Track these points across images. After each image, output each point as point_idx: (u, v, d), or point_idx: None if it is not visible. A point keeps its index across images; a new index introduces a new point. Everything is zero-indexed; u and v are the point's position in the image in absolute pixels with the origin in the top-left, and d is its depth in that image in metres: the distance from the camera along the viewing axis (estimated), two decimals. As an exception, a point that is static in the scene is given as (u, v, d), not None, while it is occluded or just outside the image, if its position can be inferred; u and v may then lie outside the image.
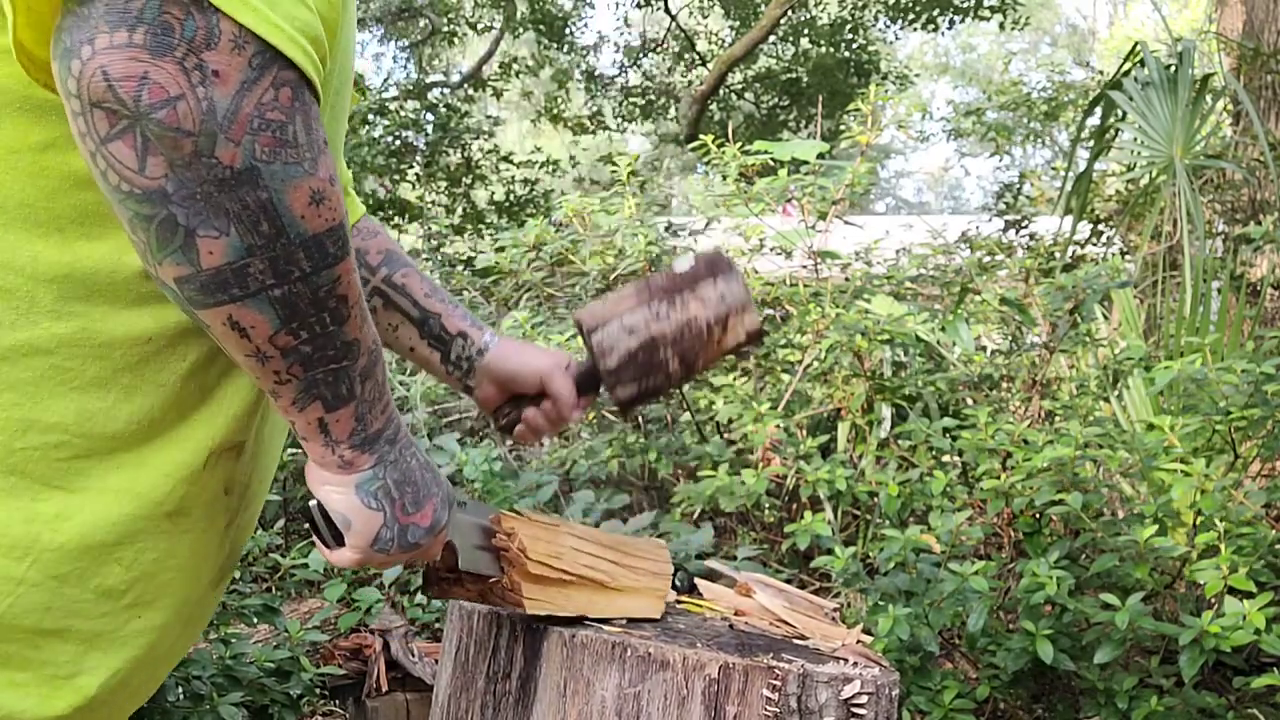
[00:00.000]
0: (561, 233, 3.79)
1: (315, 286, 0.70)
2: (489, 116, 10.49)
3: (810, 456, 2.55)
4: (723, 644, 1.08)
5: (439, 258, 6.39)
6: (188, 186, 0.64)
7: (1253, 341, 3.11)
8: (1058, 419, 2.80)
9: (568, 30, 13.98)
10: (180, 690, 1.93)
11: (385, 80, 11.93)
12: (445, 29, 13.70)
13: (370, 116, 8.46)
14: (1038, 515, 2.21)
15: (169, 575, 0.83)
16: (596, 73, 14.79)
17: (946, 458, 2.58)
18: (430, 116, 9.37)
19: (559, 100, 14.82)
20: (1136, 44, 4.01)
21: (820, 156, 3.62)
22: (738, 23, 13.45)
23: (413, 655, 2.50)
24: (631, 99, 14.39)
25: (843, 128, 9.71)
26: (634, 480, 3.44)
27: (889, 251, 4.37)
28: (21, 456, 0.74)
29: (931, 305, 3.98)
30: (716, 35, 14.47)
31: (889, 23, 12.86)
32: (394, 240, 1.19)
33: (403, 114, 9.08)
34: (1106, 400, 2.94)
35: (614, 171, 3.77)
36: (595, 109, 14.73)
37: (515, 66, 13.69)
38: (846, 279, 3.70)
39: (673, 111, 14.19)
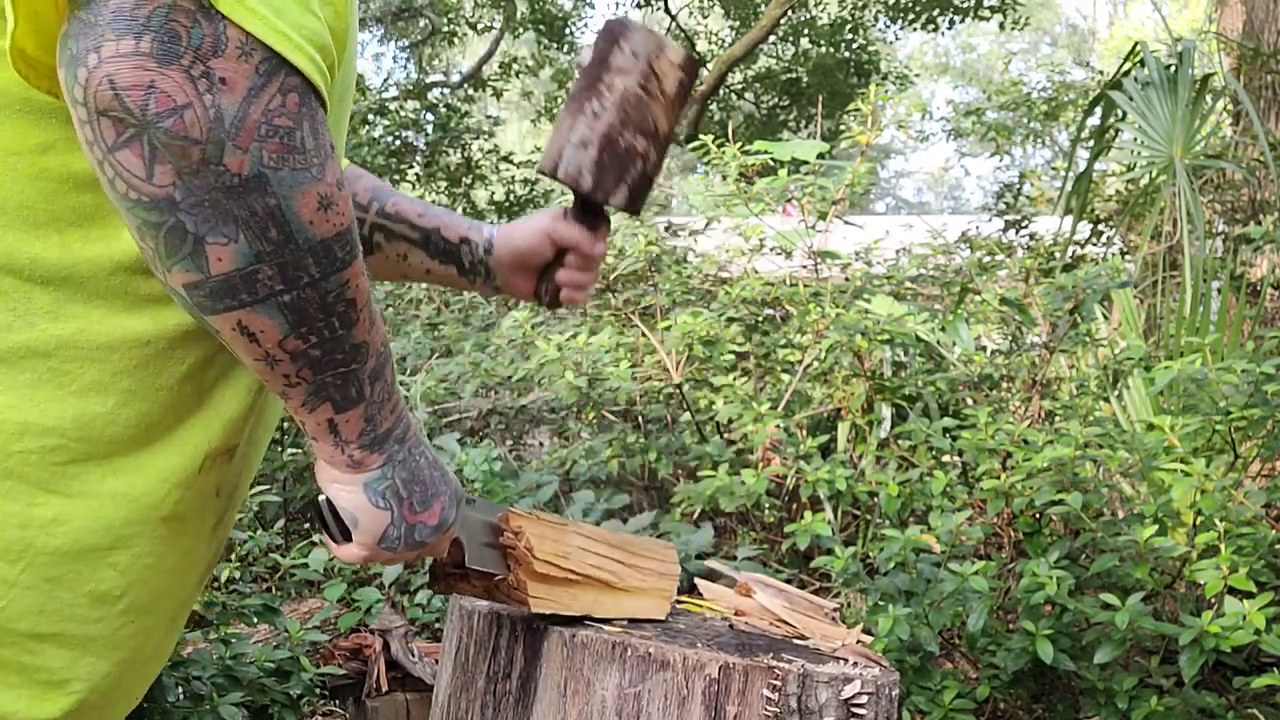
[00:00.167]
0: (561, 233, 3.78)
1: (324, 291, 0.71)
2: (489, 116, 10.48)
3: (810, 456, 2.55)
4: (723, 644, 1.08)
5: (439, 258, 6.38)
6: (196, 194, 0.64)
7: (1253, 341, 3.11)
8: (1058, 419, 2.80)
9: (568, 30, 13.98)
10: (180, 690, 1.93)
11: (385, 80, 11.92)
12: (445, 29, 13.70)
13: (370, 116, 8.46)
14: (1038, 515, 2.21)
15: (161, 579, 0.83)
16: (597, 73, 14.76)
17: (946, 458, 2.58)
18: (430, 116, 9.36)
19: (559, 100, 14.81)
20: (1136, 44, 4.01)
21: (820, 156, 3.62)
22: (738, 23, 13.44)
23: (413, 655, 2.50)
24: (631, 99, 14.36)
25: (843, 128, 9.72)
26: (634, 480, 3.44)
27: (889, 251, 4.37)
28: (18, 460, 0.74)
29: (931, 305, 3.99)
30: (716, 35, 14.47)
31: (889, 23, 12.85)
32: (376, 178, 1.19)
33: (403, 114, 9.08)
34: (1106, 400, 2.94)
35: (614, 171, 3.76)
36: (595, 109, 14.70)
37: (515, 66, 13.68)
38: (846, 279, 3.71)
39: (673, 111, 14.16)
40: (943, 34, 13.20)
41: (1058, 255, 4.45)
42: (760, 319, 3.59)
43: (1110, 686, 1.92)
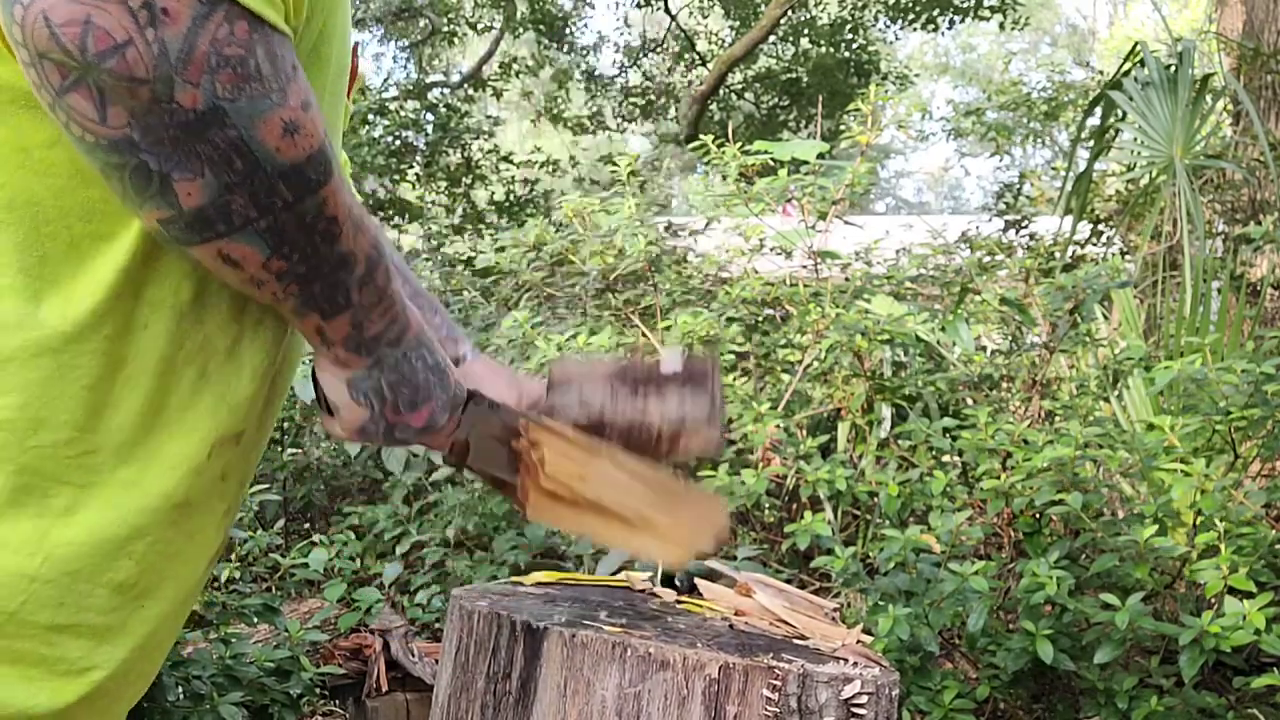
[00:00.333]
0: (561, 233, 3.79)
1: (301, 213, 0.69)
2: (489, 116, 10.50)
3: (810, 456, 2.55)
4: (723, 644, 1.08)
5: (439, 258, 6.40)
6: (154, 133, 0.63)
7: (1253, 341, 3.11)
8: (1058, 419, 2.80)
9: (568, 30, 13.99)
10: (180, 690, 1.93)
11: (385, 80, 11.93)
12: (445, 29, 13.70)
13: (370, 116, 8.47)
14: (1038, 515, 2.21)
15: (175, 565, 0.83)
16: (596, 73, 14.78)
17: (946, 458, 2.58)
18: (430, 116, 9.38)
19: (559, 100, 14.82)
20: (1136, 44, 4.01)
21: (820, 156, 3.63)
22: (738, 23, 13.44)
23: (413, 655, 2.50)
24: (631, 99, 14.39)
25: (843, 128, 9.71)
26: (634, 480, 3.43)
27: (889, 251, 4.37)
28: (34, 455, 0.74)
29: (931, 305, 3.99)
30: (716, 35, 14.46)
31: (889, 23, 12.85)
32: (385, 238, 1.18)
33: (403, 114, 9.09)
34: (1106, 400, 2.94)
35: (614, 171, 3.77)
36: (595, 109, 14.72)
37: (515, 66, 13.68)
38: (846, 279, 3.70)
39: (673, 111, 14.19)
40: (943, 34, 13.21)
41: (1058, 255, 4.45)
42: (760, 319, 3.59)
43: (1110, 686, 1.92)
